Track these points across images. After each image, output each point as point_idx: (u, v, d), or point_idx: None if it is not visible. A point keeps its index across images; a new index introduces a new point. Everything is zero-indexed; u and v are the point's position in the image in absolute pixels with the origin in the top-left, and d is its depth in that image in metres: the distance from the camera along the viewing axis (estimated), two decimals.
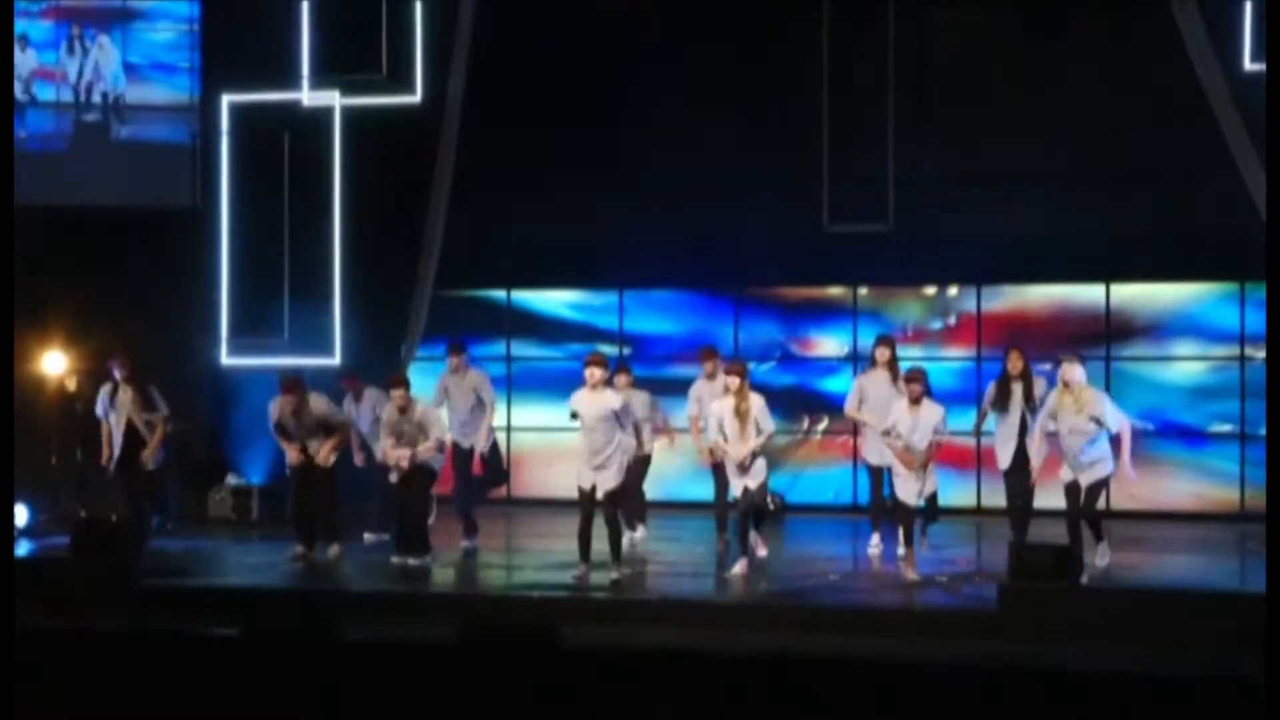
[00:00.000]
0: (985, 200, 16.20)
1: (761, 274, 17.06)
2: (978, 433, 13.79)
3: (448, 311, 16.74)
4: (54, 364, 16.03)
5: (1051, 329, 16.44)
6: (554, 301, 17.74)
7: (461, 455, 14.00)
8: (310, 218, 16.73)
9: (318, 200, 16.70)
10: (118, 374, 14.12)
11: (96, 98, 17.65)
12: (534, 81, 16.88)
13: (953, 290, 16.88)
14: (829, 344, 17.15)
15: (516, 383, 17.58)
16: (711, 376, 13.42)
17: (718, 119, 16.77)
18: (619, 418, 11.94)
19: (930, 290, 16.95)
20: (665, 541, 14.20)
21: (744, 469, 12.14)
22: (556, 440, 16.59)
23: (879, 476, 13.49)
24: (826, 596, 11.82)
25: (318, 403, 13.25)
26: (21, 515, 14.44)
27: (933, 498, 12.57)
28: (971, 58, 16.53)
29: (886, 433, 12.33)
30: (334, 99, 16.58)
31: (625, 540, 12.69)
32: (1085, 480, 11.88)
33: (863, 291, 17.03)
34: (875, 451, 13.38)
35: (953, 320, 16.88)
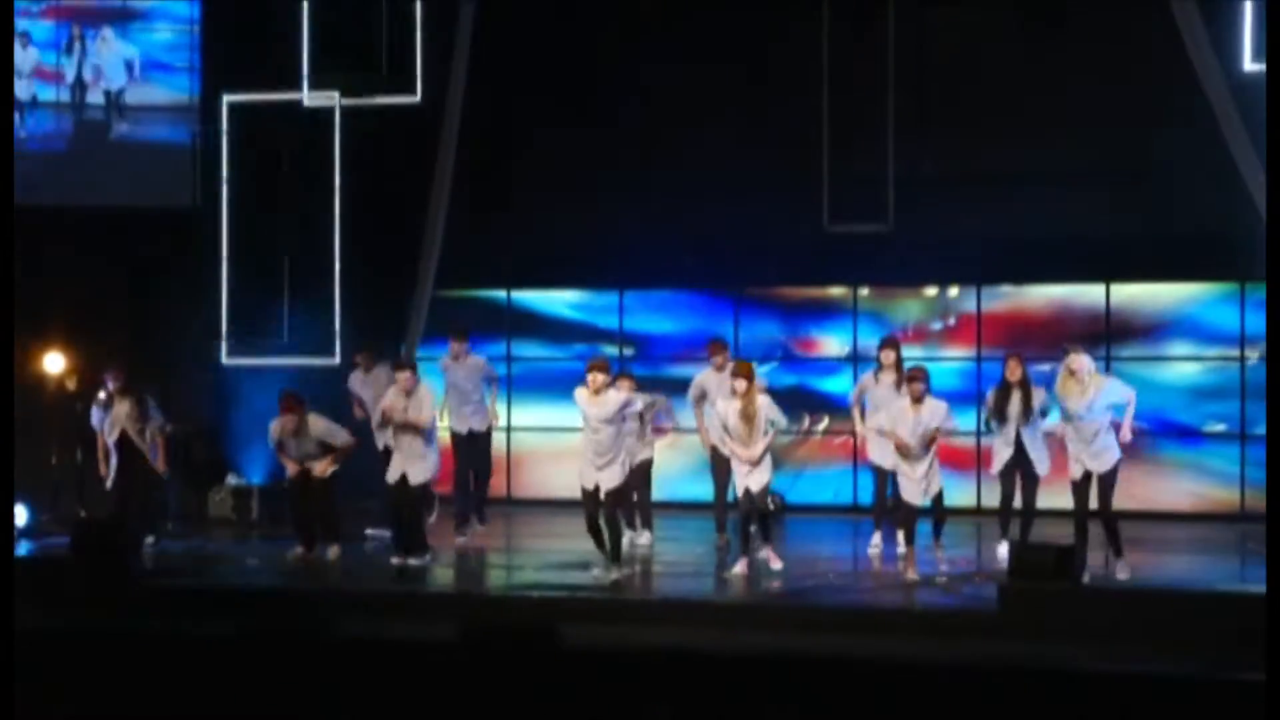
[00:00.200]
0: (985, 200, 16.19)
1: (761, 274, 17.04)
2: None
3: (448, 311, 16.72)
4: (54, 364, 16.02)
5: (1051, 329, 16.42)
6: (554, 301, 17.73)
7: (460, 441, 14.11)
8: (310, 218, 16.74)
9: (318, 200, 16.71)
10: (111, 386, 14.07)
11: (99, 96, 17.66)
12: (534, 81, 16.88)
13: (953, 290, 16.87)
14: (829, 344, 17.14)
15: (517, 383, 17.57)
16: (721, 369, 13.40)
17: (718, 119, 16.76)
18: (624, 413, 11.97)
19: (930, 290, 16.95)
20: (665, 541, 14.19)
21: (750, 466, 12.13)
22: (556, 440, 16.59)
23: (883, 476, 13.48)
24: (826, 596, 11.80)
25: (317, 423, 13.30)
26: (21, 515, 14.43)
27: (938, 498, 12.53)
28: (971, 58, 16.52)
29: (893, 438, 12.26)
30: (334, 99, 16.59)
31: (625, 541, 12.69)
32: (1098, 468, 11.70)
33: (863, 291, 17.02)
34: (880, 451, 13.37)
35: (953, 320, 16.87)
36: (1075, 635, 10.22)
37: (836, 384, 16.81)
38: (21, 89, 17.49)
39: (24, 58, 17.50)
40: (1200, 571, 12.87)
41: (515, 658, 7.52)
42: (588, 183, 16.84)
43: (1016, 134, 16.23)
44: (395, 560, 12.99)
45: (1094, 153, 16.09)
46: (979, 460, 15.85)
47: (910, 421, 12.15)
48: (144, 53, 17.56)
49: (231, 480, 16.49)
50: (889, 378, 13.44)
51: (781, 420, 12.23)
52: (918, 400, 12.15)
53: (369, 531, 14.29)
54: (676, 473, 16.17)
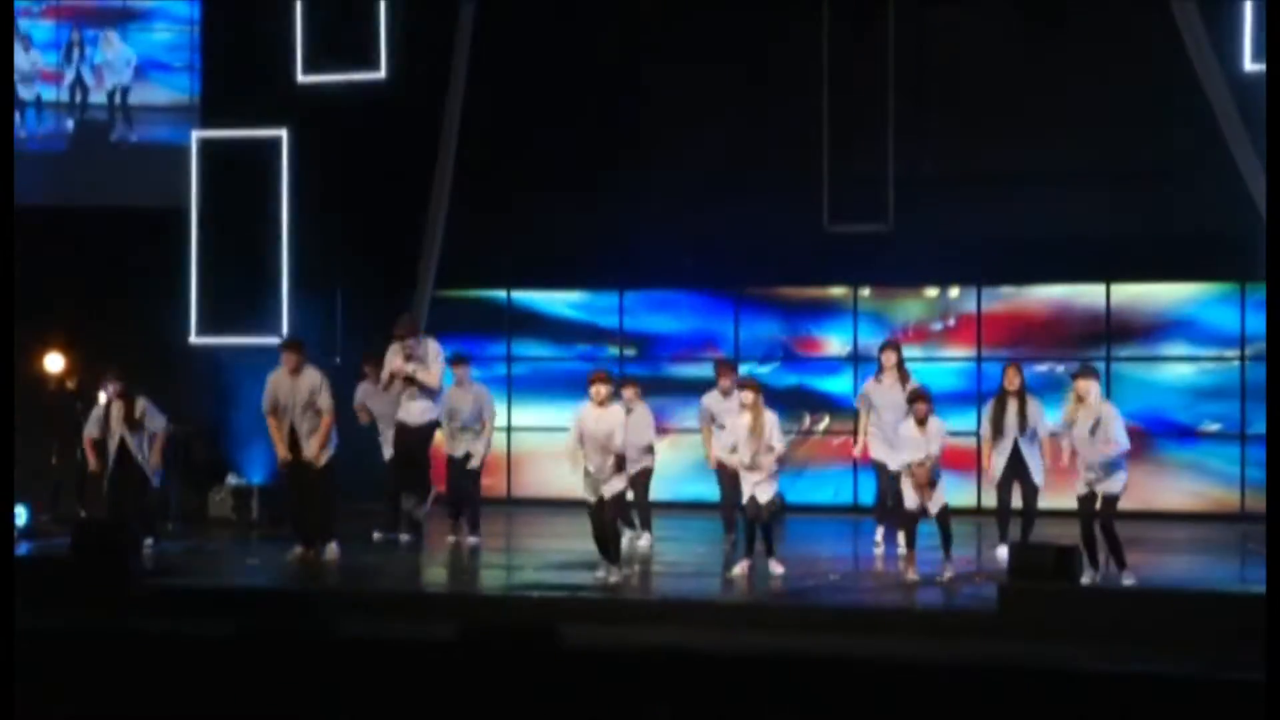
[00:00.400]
0: (985, 200, 16.20)
1: (761, 274, 17.05)
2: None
3: (448, 311, 16.73)
4: (54, 364, 16.02)
5: (1051, 329, 16.44)
6: (555, 301, 17.73)
7: (454, 464, 14.13)
8: (310, 218, 16.73)
9: (317, 200, 16.71)
10: (110, 391, 14.03)
11: (101, 96, 17.65)
12: (534, 81, 16.89)
13: (953, 290, 16.87)
14: (830, 344, 17.14)
15: (517, 383, 17.57)
16: (727, 393, 13.38)
17: (718, 119, 16.77)
18: (617, 436, 11.88)
19: (930, 290, 16.94)
20: (666, 541, 14.19)
21: (758, 474, 12.15)
22: (557, 440, 16.51)
23: (885, 475, 13.45)
24: (826, 596, 11.80)
25: (313, 375, 13.20)
26: (21, 515, 14.42)
27: (943, 512, 12.35)
28: (971, 58, 16.53)
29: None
30: (333, 98, 16.57)
31: (624, 541, 12.69)
32: (1102, 489, 11.66)
33: (863, 292, 17.02)
34: (882, 449, 13.36)
35: (953, 320, 16.87)
36: (1075, 635, 10.21)
37: (837, 384, 16.82)
38: (24, 91, 17.50)
39: (25, 59, 17.50)
40: (1200, 571, 12.88)
41: (515, 658, 7.52)
42: (588, 183, 16.85)
43: (1016, 134, 16.24)
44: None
45: (1094, 153, 16.09)
46: (979, 460, 15.84)
47: (919, 442, 12.10)
48: (144, 53, 17.57)
49: (231, 480, 16.48)
50: (890, 379, 13.48)
51: (780, 445, 12.21)
52: (922, 421, 12.12)
53: (377, 535, 14.26)
54: (677, 473, 16.17)
